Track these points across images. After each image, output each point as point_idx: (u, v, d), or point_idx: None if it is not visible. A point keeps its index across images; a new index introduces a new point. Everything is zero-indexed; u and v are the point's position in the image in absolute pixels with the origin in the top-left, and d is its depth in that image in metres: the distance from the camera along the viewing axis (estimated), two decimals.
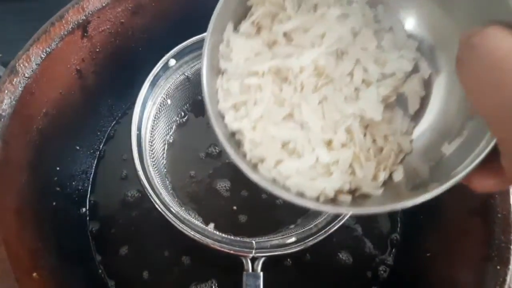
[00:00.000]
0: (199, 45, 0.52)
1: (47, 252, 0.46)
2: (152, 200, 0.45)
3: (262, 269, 0.45)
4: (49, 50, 0.46)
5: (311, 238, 0.45)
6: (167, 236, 0.54)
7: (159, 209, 0.45)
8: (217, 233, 0.46)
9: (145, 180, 0.46)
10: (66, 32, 0.47)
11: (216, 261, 0.51)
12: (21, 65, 0.44)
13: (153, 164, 0.50)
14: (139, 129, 0.48)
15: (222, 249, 0.44)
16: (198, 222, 0.47)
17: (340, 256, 0.54)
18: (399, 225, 0.57)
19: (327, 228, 0.45)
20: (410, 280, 0.52)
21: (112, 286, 0.52)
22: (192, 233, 0.44)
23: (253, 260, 0.44)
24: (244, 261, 0.45)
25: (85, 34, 0.50)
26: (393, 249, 0.56)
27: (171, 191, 0.52)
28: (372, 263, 0.55)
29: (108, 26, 0.52)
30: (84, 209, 0.55)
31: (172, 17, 0.57)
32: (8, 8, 0.85)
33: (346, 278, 0.54)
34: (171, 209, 0.45)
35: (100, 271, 0.53)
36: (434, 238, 0.51)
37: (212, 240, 0.45)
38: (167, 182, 0.53)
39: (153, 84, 0.51)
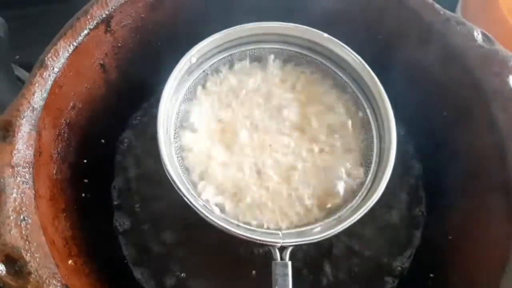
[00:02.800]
0: (219, 42, 0.53)
1: (80, 242, 0.47)
2: (180, 193, 0.45)
3: (290, 258, 0.45)
4: (75, 44, 0.47)
5: (338, 227, 0.45)
6: (193, 229, 0.54)
7: (187, 201, 0.45)
8: (245, 225, 0.47)
9: (174, 174, 0.45)
10: (91, 27, 0.49)
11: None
12: (50, 59, 0.45)
13: (179, 161, 0.50)
14: (164, 125, 0.48)
15: (252, 239, 0.44)
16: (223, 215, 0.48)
17: (358, 246, 0.55)
18: (421, 214, 0.58)
19: (353, 217, 0.45)
20: (433, 265, 0.53)
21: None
22: (221, 223, 0.44)
23: (281, 249, 0.45)
24: (272, 250, 0.45)
25: (108, 28, 0.51)
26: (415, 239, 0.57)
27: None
28: (393, 253, 0.56)
29: (129, 21, 0.54)
30: (112, 201, 0.56)
31: (190, 11, 0.58)
32: (24, 13, 0.87)
33: (366, 265, 0.55)
34: (200, 202, 0.46)
35: (126, 261, 0.54)
36: (455, 220, 0.52)
37: (240, 230, 0.45)
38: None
39: (176, 82, 0.51)
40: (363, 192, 0.48)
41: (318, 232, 0.45)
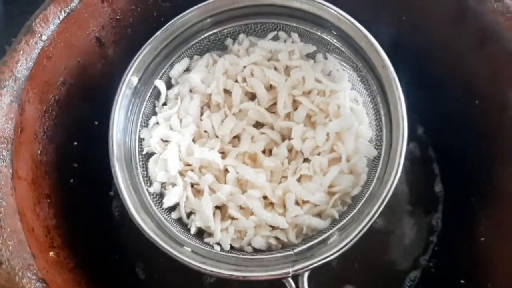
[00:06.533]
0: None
1: (64, 232, 0.41)
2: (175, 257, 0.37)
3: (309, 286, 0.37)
4: (68, 11, 0.43)
5: (356, 233, 0.37)
6: None
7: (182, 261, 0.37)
8: (248, 256, 0.40)
9: (153, 234, 0.38)
10: None
11: None
12: (38, 25, 0.41)
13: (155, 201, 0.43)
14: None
15: (259, 278, 0.37)
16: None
17: (378, 247, 0.50)
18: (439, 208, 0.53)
19: (378, 203, 0.37)
20: (464, 270, 0.47)
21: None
22: (227, 273, 0.37)
23: (295, 278, 0.37)
24: (285, 283, 0.37)
25: None
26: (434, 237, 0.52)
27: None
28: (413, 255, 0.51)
29: None
30: (105, 190, 0.51)
31: None
32: None
33: (385, 270, 0.50)
34: (187, 249, 0.39)
35: (126, 256, 0.49)
36: (488, 220, 0.46)
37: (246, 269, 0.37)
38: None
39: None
40: (381, 172, 0.40)
41: (337, 242, 0.37)
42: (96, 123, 0.50)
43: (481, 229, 0.46)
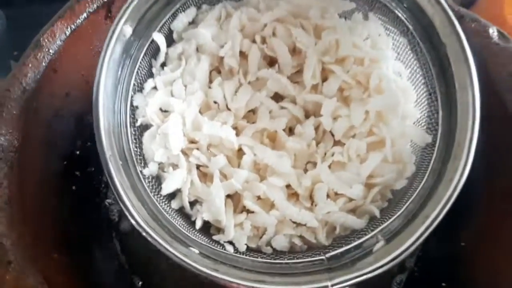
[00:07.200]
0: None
1: (67, 237, 0.43)
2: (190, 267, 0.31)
3: None
4: (73, 27, 0.45)
5: (411, 241, 0.30)
6: None
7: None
8: (268, 260, 0.33)
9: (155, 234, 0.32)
10: (90, 10, 0.46)
11: None
12: (46, 40, 0.43)
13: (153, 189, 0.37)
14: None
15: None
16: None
17: None
18: None
19: (431, 221, 0.30)
20: (441, 275, 0.49)
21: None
22: (251, 284, 0.30)
23: None
24: None
25: (109, 15, 0.49)
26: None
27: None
28: None
29: None
30: (105, 200, 0.53)
31: None
32: (25, 10, 0.85)
33: None
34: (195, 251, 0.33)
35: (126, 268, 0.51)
36: (470, 224, 0.48)
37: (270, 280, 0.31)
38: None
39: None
40: (437, 165, 0.33)
41: (386, 252, 0.30)
42: None
43: (461, 234, 0.49)
